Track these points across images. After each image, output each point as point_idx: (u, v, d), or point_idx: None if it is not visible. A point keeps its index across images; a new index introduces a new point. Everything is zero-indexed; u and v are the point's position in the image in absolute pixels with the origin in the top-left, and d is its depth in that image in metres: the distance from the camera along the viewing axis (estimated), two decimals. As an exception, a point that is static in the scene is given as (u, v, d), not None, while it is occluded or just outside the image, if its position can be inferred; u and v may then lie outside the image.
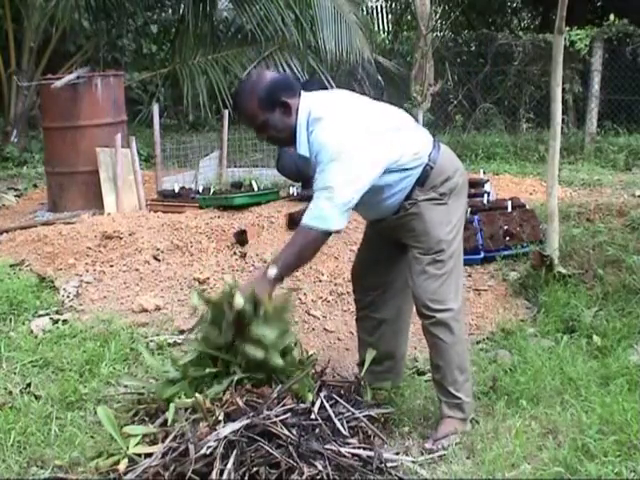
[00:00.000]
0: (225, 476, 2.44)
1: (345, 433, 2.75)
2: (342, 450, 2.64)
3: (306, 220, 2.76)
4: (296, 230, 2.86)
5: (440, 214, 2.90)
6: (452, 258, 2.92)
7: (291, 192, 6.20)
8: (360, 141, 2.76)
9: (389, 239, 3.06)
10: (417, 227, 2.90)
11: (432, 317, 2.91)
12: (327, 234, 2.77)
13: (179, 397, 2.79)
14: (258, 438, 2.55)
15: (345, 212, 2.75)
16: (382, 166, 2.80)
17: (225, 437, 2.54)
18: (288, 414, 2.70)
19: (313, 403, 2.79)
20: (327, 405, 2.83)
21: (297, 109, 2.84)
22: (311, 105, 2.84)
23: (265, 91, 2.82)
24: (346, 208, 2.74)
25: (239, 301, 2.75)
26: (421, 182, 2.88)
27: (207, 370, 2.84)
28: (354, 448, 2.70)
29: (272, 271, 2.75)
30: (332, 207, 2.71)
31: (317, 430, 2.70)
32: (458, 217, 2.97)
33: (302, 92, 2.89)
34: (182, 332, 4.06)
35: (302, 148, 2.85)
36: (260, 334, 2.81)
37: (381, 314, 3.18)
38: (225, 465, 2.47)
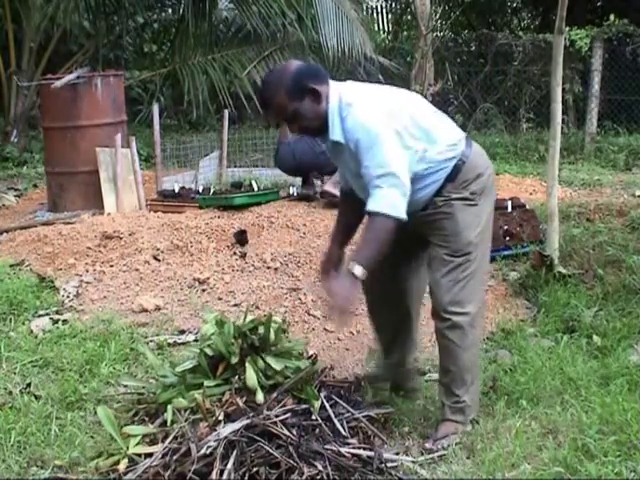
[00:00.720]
0: (225, 476, 2.44)
1: (345, 433, 2.75)
2: (342, 450, 2.64)
3: (380, 208, 2.66)
4: (370, 221, 2.72)
5: (471, 215, 2.86)
6: (477, 260, 2.88)
7: (291, 192, 6.20)
8: (402, 120, 2.73)
9: (407, 240, 2.93)
10: (448, 227, 2.86)
11: (448, 320, 2.88)
12: (399, 221, 2.68)
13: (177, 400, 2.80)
14: (258, 438, 2.55)
15: (406, 200, 2.71)
16: (421, 150, 2.77)
17: (225, 437, 2.55)
18: (288, 414, 2.71)
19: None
20: (327, 405, 2.83)
21: (327, 96, 2.78)
22: (342, 91, 2.79)
23: (292, 80, 2.75)
24: (408, 193, 2.71)
25: None
26: (452, 177, 2.84)
27: (205, 382, 2.85)
28: (354, 448, 2.70)
29: (359, 270, 2.68)
30: (400, 195, 2.67)
31: (317, 430, 2.70)
32: (487, 217, 2.94)
33: (331, 82, 2.84)
34: (182, 332, 4.06)
35: (335, 134, 2.76)
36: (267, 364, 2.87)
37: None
38: (225, 465, 2.47)
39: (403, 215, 2.68)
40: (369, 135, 2.68)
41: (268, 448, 2.52)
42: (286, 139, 5.91)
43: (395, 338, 3.19)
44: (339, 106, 2.75)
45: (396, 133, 2.72)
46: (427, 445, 2.89)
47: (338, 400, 2.90)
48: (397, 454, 2.82)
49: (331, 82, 2.84)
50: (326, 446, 2.62)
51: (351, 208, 3.00)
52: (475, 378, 3.00)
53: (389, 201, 2.67)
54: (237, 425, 2.59)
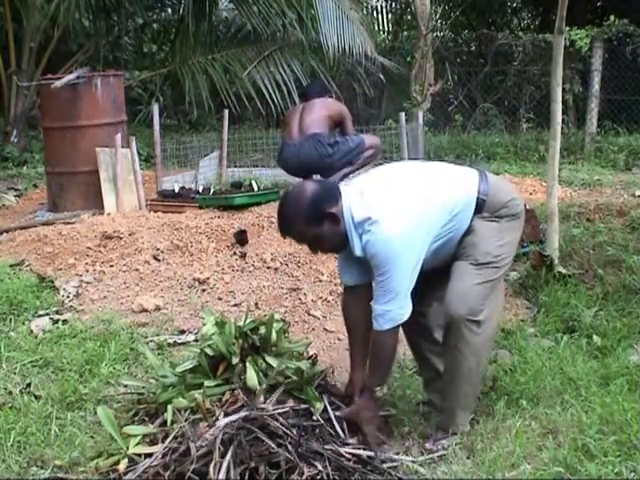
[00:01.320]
0: (224, 471, 2.44)
1: (345, 433, 2.75)
2: (342, 450, 2.64)
3: (381, 326, 2.76)
4: (374, 341, 2.84)
5: (490, 229, 2.89)
6: (494, 275, 2.90)
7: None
8: (413, 235, 2.73)
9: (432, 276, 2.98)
10: (466, 240, 2.89)
11: (457, 326, 2.87)
12: (399, 326, 2.81)
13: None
14: (256, 430, 2.55)
15: (408, 302, 2.77)
16: (437, 229, 2.82)
17: (223, 429, 2.54)
18: (288, 412, 2.70)
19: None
20: (327, 405, 2.83)
21: (342, 213, 2.78)
22: (350, 205, 2.78)
23: (310, 207, 2.76)
24: (408, 298, 2.76)
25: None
26: (477, 212, 2.88)
27: (206, 382, 2.85)
28: (354, 448, 2.70)
29: (376, 393, 2.85)
30: (399, 307, 2.74)
31: (317, 430, 2.70)
32: (510, 239, 2.95)
33: (341, 194, 2.82)
34: (182, 332, 4.06)
35: (357, 250, 2.79)
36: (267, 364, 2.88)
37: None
38: (223, 458, 2.46)
39: (405, 317, 2.77)
40: (383, 257, 2.70)
41: (267, 440, 2.52)
42: (291, 140, 5.90)
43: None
44: (352, 222, 2.76)
45: (413, 242, 2.73)
46: (427, 445, 2.90)
47: (338, 403, 2.90)
48: (397, 454, 2.82)
49: (342, 192, 2.82)
50: (326, 446, 2.62)
51: (359, 309, 2.97)
52: (474, 387, 2.98)
53: (389, 317, 2.75)
54: (235, 417, 2.59)
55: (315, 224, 2.77)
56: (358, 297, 2.96)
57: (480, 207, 2.88)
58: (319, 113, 5.89)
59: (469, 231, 2.89)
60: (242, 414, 2.62)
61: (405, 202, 2.79)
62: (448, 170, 3.04)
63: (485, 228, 2.89)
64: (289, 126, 6.02)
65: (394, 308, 2.74)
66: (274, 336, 2.97)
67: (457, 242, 2.90)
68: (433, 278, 2.94)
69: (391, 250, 2.68)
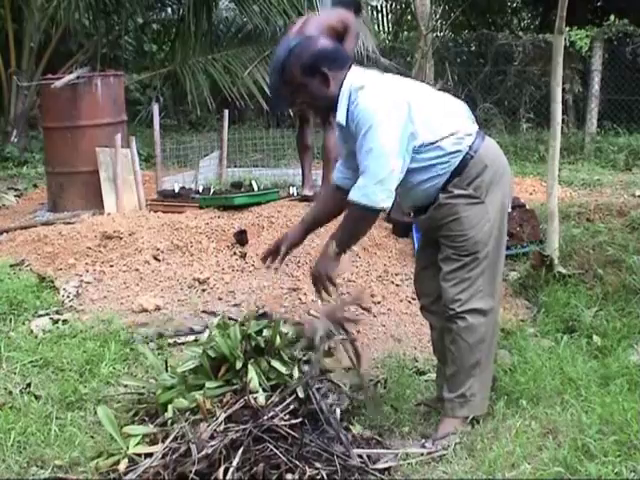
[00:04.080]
0: (229, 476, 2.44)
1: (345, 434, 2.75)
2: (342, 450, 2.64)
3: (352, 196, 2.79)
4: (348, 209, 2.88)
5: (477, 215, 2.87)
6: (487, 258, 2.88)
7: (291, 192, 6.20)
8: (400, 109, 2.77)
9: (434, 243, 3.02)
10: (454, 228, 2.88)
11: (454, 317, 2.90)
12: (374, 211, 2.79)
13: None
14: (266, 437, 2.55)
15: (387, 189, 2.75)
16: (420, 139, 2.80)
17: (227, 435, 2.55)
18: (291, 415, 2.71)
19: (312, 401, 2.79)
20: (328, 405, 2.83)
21: (341, 82, 2.85)
22: (356, 77, 2.87)
23: (310, 58, 2.86)
24: (389, 184, 2.74)
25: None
26: (459, 171, 2.85)
27: (207, 383, 2.85)
28: (354, 448, 2.70)
29: (332, 248, 2.90)
30: (380, 186, 2.73)
31: (317, 431, 2.70)
32: (496, 214, 2.91)
33: (353, 67, 2.90)
34: (182, 332, 4.06)
35: (340, 116, 2.85)
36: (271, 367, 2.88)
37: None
38: (230, 464, 2.47)
39: (379, 205, 2.76)
40: (367, 119, 2.74)
41: (274, 448, 2.52)
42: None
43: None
44: (349, 91, 2.83)
45: (397, 121, 2.75)
46: (427, 445, 2.89)
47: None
48: (397, 454, 2.82)
49: (353, 68, 2.90)
50: (327, 446, 2.62)
51: (334, 203, 3.11)
52: (483, 375, 2.97)
53: (366, 191, 2.75)
54: (243, 426, 2.59)
55: (306, 74, 2.85)
56: (337, 197, 3.04)
57: (465, 163, 2.84)
58: (324, 21, 5.71)
59: (454, 217, 2.86)
60: (246, 417, 2.62)
61: (404, 86, 2.90)
62: (461, 113, 2.99)
63: (472, 214, 2.86)
64: (293, 27, 5.96)
65: (371, 185, 2.74)
66: (279, 340, 2.97)
67: (435, 190, 2.87)
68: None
69: (373, 118, 2.72)
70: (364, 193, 2.76)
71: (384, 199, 2.76)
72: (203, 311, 4.29)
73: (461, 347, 2.93)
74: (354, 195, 2.79)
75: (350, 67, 2.91)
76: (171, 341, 3.91)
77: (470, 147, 2.87)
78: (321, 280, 2.96)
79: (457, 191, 2.86)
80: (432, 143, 2.83)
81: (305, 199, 5.89)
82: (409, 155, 2.80)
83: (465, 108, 3.01)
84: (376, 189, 2.74)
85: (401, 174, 2.78)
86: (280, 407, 2.72)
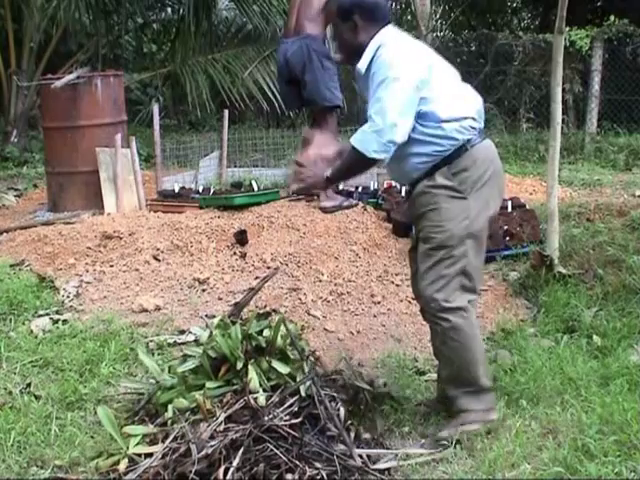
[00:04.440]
0: (229, 476, 2.44)
1: (345, 433, 2.75)
2: (342, 450, 2.64)
3: (352, 139, 2.85)
4: (347, 152, 2.94)
5: (457, 209, 2.86)
6: (465, 257, 2.87)
7: (291, 192, 6.19)
8: (419, 70, 2.82)
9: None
10: (432, 218, 2.89)
11: (436, 316, 2.90)
12: (364, 158, 2.83)
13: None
14: (266, 438, 2.55)
15: (383, 141, 2.78)
16: (429, 106, 2.83)
17: (227, 435, 2.55)
18: (291, 415, 2.70)
19: (314, 402, 2.79)
20: (328, 405, 2.83)
21: (372, 35, 2.91)
22: (388, 34, 2.92)
23: (348, 3, 2.96)
24: (386, 136, 2.77)
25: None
26: (449, 160, 2.87)
27: (207, 384, 2.85)
28: (355, 448, 2.70)
29: (327, 172, 2.98)
30: (378, 137, 2.78)
31: (318, 430, 2.70)
32: (478, 215, 2.89)
33: (390, 26, 2.96)
34: (182, 332, 4.06)
35: (362, 64, 2.92)
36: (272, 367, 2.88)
37: None
38: (230, 464, 2.47)
39: (369, 154, 2.80)
40: (384, 71, 2.80)
41: (274, 448, 2.52)
42: (286, 37, 5.79)
43: None
44: (378, 44, 2.89)
45: (412, 80, 2.79)
46: (443, 434, 2.88)
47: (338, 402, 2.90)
48: (397, 454, 2.82)
49: (390, 27, 2.96)
50: (327, 446, 2.62)
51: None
52: (477, 367, 2.95)
53: (363, 137, 2.81)
54: (243, 426, 2.59)
55: (340, 18, 3.00)
56: None
57: (457, 154, 2.86)
58: (316, 6, 5.59)
59: (434, 205, 2.87)
60: (246, 417, 2.62)
61: (429, 55, 2.94)
62: (476, 111, 2.98)
63: (452, 206, 2.86)
64: (288, 19, 5.91)
65: (369, 132, 2.79)
66: (280, 340, 2.97)
67: (422, 170, 2.89)
68: None
69: (390, 71, 2.79)
70: (361, 139, 2.82)
71: (377, 150, 2.80)
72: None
73: (453, 347, 2.92)
74: (353, 137, 2.85)
75: (386, 25, 2.95)
76: (171, 341, 3.91)
77: (468, 140, 2.89)
78: (304, 177, 3.02)
79: (441, 180, 2.87)
80: (438, 120, 2.84)
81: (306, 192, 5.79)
82: (413, 118, 2.82)
83: (480, 104, 3.01)
84: (372, 138, 2.79)
85: (403, 134, 2.80)
86: (283, 407, 2.72)
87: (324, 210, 5.56)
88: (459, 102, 2.92)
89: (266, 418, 2.63)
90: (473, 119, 2.93)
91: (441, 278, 2.88)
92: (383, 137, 2.78)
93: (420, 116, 2.84)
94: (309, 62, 5.56)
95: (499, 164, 3.02)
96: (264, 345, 2.96)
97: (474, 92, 3.03)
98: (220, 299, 4.49)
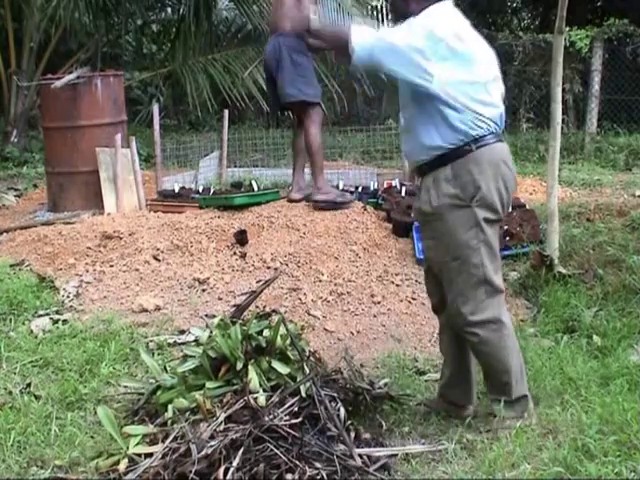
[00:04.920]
0: (229, 476, 2.44)
1: (345, 433, 2.75)
2: (342, 450, 2.64)
3: (353, 26, 2.87)
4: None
5: (463, 217, 2.80)
6: (483, 265, 2.82)
7: (291, 192, 6.19)
8: (444, 33, 2.80)
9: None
10: (438, 228, 2.85)
11: (465, 332, 2.90)
12: (346, 45, 2.84)
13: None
14: (266, 438, 2.55)
15: (369, 48, 2.83)
16: (435, 74, 2.78)
17: (227, 435, 2.55)
18: (291, 415, 2.70)
19: (315, 402, 2.79)
20: (328, 405, 2.83)
21: (425, 7, 2.87)
22: (440, 8, 2.90)
23: None
24: (382, 44, 2.81)
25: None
26: (454, 157, 2.80)
27: (207, 384, 2.85)
28: (354, 448, 2.70)
29: (314, 23, 3.20)
30: (376, 38, 2.84)
31: (318, 430, 2.70)
32: (486, 226, 2.82)
33: (447, 2, 2.94)
34: (182, 332, 4.06)
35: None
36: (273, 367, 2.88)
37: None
38: (230, 464, 2.47)
39: (353, 42, 2.82)
40: (410, 21, 2.82)
41: (274, 448, 2.52)
42: (272, 33, 5.72)
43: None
44: (425, 16, 2.87)
45: (427, 38, 2.77)
46: (491, 426, 2.88)
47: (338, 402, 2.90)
48: (397, 454, 2.82)
49: (446, 3, 2.93)
50: (327, 446, 2.62)
51: None
52: (510, 374, 2.93)
53: (362, 32, 2.86)
54: (243, 426, 2.59)
55: None
56: None
57: (463, 153, 2.80)
58: (289, 3, 5.46)
59: (439, 217, 2.82)
60: (246, 417, 2.62)
61: (474, 38, 2.94)
62: (497, 103, 2.95)
63: (457, 214, 2.80)
64: (273, 11, 5.86)
65: (371, 34, 2.86)
66: (280, 340, 2.96)
67: (429, 150, 2.85)
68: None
69: (412, 22, 2.82)
70: (359, 31, 2.84)
71: (361, 45, 2.82)
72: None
73: (484, 358, 2.93)
74: (355, 26, 2.86)
75: (433, 2, 2.91)
76: (171, 341, 3.91)
77: (475, 140, 2.81)
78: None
79: (445, 188, 2.81)
80: (452, 99, 2.78)
81: (291, 201, 5.76)
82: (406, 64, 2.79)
83: (500, 110, 2.93)
84: (370, 37, 2.85)
85: (380, 59, 2.82)
86: (284, 407, 2.72)
87: (316, 204, 5.53)
88: (485, 96, 2.85)
89: (266, 418, 2.63)
90: (490, 120, 2.86)
91: (464, 291, 2.85)
92: (379, 44, 2.82)
93: (445, 96, 2.78)
94: (280, 60, 5.48)
95: (506, 169, 2.89)
96: (264, 345, 2.96)
97: (500, 98, 2.95)
98: (220, 299, 4.49)
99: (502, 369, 2.92)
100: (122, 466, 2.59)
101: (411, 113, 2.94)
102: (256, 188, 6.08)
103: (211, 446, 2.52)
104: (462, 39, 2.84)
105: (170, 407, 2.77)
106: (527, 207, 5.48)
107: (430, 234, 2.94)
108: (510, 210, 5.28)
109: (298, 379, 2.86)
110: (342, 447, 2.65)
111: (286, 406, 2.73)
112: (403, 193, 5.85)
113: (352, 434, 2.81)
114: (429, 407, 3.19)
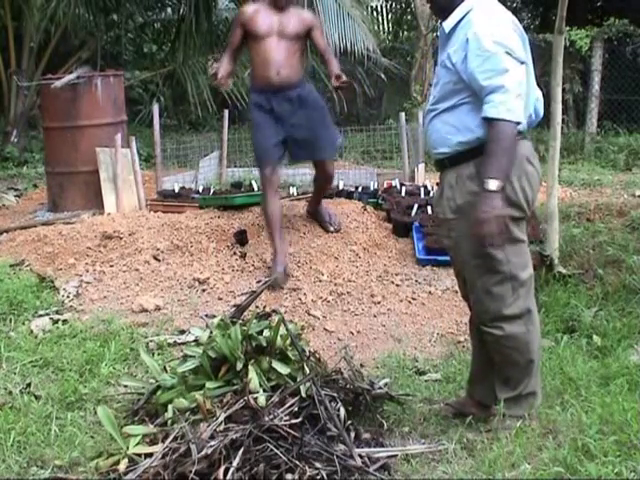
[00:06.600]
0: (229, 476, 2.44)
1: (345, 433, 2.75)
2: (342, 450, 2.64)
3: (497, 114, 2.65)
4: (490, 132, 2.68)
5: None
6: (508, 262, 2.78)
7: (291, 192, 6.20)
8: (512, 40, 2.87)
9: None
10: (463, 227, 2.79)
11: (489, 327, 2.87)
12: (516, 126, 2.69)
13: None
14: (266, 438, 2.55)
15: (521, 101, 2.71)
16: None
17: (227, 435, 2.55)
18: (291, 415, 2.70)
19: (315, 402, 2.79)
20: (328, 405, 2.83)
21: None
22: (484, 2, 2.92)
23: None
24: (522, 95, 2.71)
25: None
26: (477, 154, 2.73)
27: (207, 384, 2.85)
28: (354, 448, 2.70)
29: (493, 184, 2.63)
30: (515, 98, 2.67)
31: (318, 430, 2.70)
32: (513, 226, 2.76)
33: None
34: (182, 332, 4.06)
35: (448, 23, 2.87)
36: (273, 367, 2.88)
37: None
38: (230, 464, 2.47)
39: (520, 117, 2.69)
40: (482, 42, 2.75)
41: (274, 448, 2.52)
42: None
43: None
44: (469, 7, 2.86)
45: (511, 43, 2.83)
46: (491, 426, 2.87)
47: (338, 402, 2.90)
48: (397, 455, 2.82)
49: None
50: (327, 446, 2.62)
51: None
52: (535, 370, 2.93)
53: (507, 107, 2.65)
54: (243, 426, 2.59)
55: None
56: None
57: (480, 152, 2.73)
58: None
59: (461, 216, 2.78)
60: (246, 417, 2.62)
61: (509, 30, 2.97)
62: (532, 96, 2.93)
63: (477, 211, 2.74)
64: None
65: (512, 99, 2.66)
66: (280, 340, 2.96)
67: (450, 140, 2.82)
68: None
69: (489, 36, 2.78)
70: (508, 109, 2.64)
71: (522, 112, 2.71)
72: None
73: (507, 353, 2.88)
74: (494, 112, 2.65)
75: None
76: (171, 341, 3.91)
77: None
78: (492, 224, 2.65)
79: (469, 186, 2.76)
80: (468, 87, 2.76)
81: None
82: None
83: (531, 109, 2.91)
84: (518, 103, 2.67)
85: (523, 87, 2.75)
86: (284, 407, 2.72)
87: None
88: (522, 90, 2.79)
89: (266, 418, 2.63)
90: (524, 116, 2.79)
91: (490, 288, 2.82)
92: (520, 94, 2.69)
93: (469, 77, 2.75)
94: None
95: (530, 166, 2.84)
96: (264, 345, 2.96)
97: (530, 95, 2.92)
98: (220, 299, 4.49)
99: (520, 364, 2.88)
100: (122, 466, 2.59)
101: (444, 105, 2.86)
102: (256, 188, 6.08)
103: (211, 446, 2.52)
104: (515, 39, 2.91)
105: (170, 407, 2.77)
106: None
107: (454, 232, 2.87)
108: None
109: (298, 379, 2.86)
110: (342, 447, 2.65)
111: (286, 406, 2.73)
112: (403, 193, 5.85)
113: (352, 434, 2.81)
114: (456, 409, 3.13)
